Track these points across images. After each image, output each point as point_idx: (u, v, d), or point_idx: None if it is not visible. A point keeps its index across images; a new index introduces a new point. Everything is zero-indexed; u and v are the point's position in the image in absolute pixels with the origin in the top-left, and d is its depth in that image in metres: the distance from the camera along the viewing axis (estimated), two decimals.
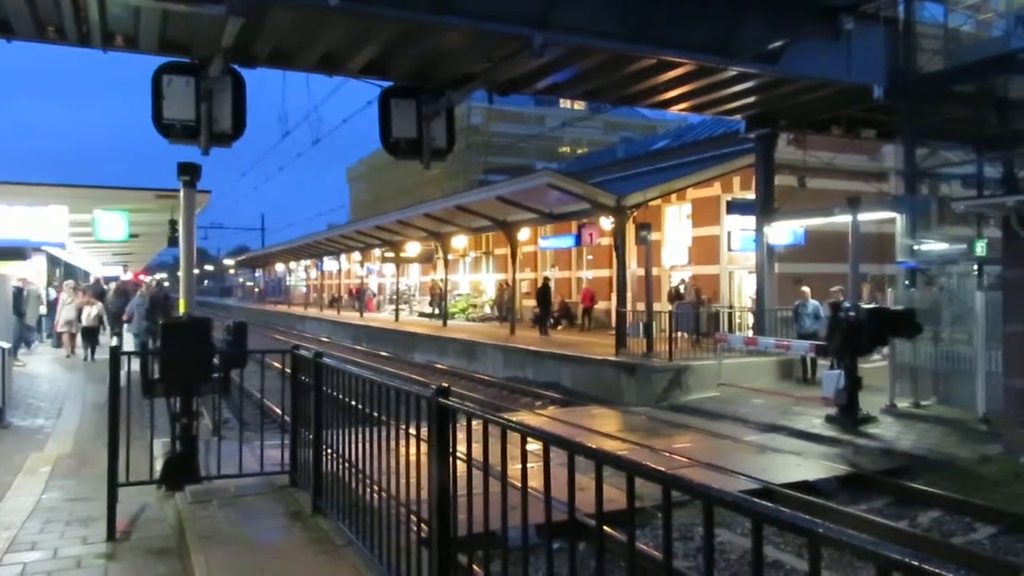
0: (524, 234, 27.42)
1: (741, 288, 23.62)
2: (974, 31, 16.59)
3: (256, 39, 12.14)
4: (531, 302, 28.24)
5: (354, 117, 19.80)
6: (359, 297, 44.41)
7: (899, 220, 15.41)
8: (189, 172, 8.48)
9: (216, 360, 7.21)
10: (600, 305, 27.21)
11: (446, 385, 3.74)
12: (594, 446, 2.76)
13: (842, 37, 15.27)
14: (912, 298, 13.59)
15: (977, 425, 11.39)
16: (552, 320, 26.15)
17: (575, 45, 13.85)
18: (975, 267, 13.09)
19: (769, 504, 2.00)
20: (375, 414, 4.67)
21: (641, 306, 19.22)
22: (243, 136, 12.07)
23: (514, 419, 3.29)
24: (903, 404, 12.87)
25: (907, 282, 14.59)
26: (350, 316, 40.16)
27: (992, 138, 16.42)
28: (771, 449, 11.06)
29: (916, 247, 14.79)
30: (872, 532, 7.58)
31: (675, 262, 25.78)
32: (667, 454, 10.49)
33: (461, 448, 3.64)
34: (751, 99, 17.98)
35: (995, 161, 16.64)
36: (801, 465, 10.14)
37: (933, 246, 14.99)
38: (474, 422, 3.51)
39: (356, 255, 43.44)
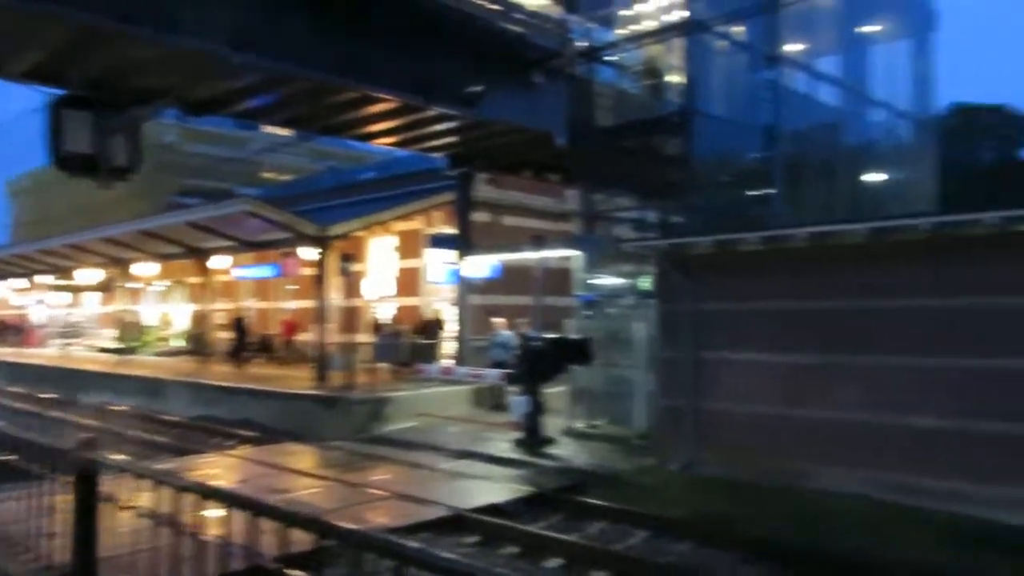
0: (222, 262, 25.90)
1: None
2: (640, 93, 18.97)
3: None
4: (227, 334, 26.65)
5: (18, 123, 17.37)
6: (19, 330, 38.61)
7: (578, 257, 17.03)
8: None
9: None
10: (303, 337, 26.47)
11: (92, 435, 3.38)
12: (284, 487, 2.67)
13: (533, 88, 16.66)
14: (588, 328, 15.02)
15: (637, 441, 12.88)
16: (250, 353, 24.94)
17: (275, 71, 13.52)
18: (636, 300, 14.82)
19: (413, 545, 2.07)
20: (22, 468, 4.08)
21: (345, 337, 19.08)
22: None
23: (197, 462, 3.06)
24: (580, 425, 14.16)
25: (585, 313, 16.12)
26: (5, 353, 34.67)
27: (652, 188, 18.85)
28: (464, 475, 11.52)
29: (591, 282, 16.43)
30: (545, 547, 8.23)
31: (381, 293, 25.98)
32: (363, 488, 10.45)
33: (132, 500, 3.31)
34: (453, 139, 18.86)
35: (656, 208, 19.11)
36: (490, 489, 10.69)
37: (606, 281, 16.75)
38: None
39: (20, 281, 37.72)
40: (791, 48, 18.80)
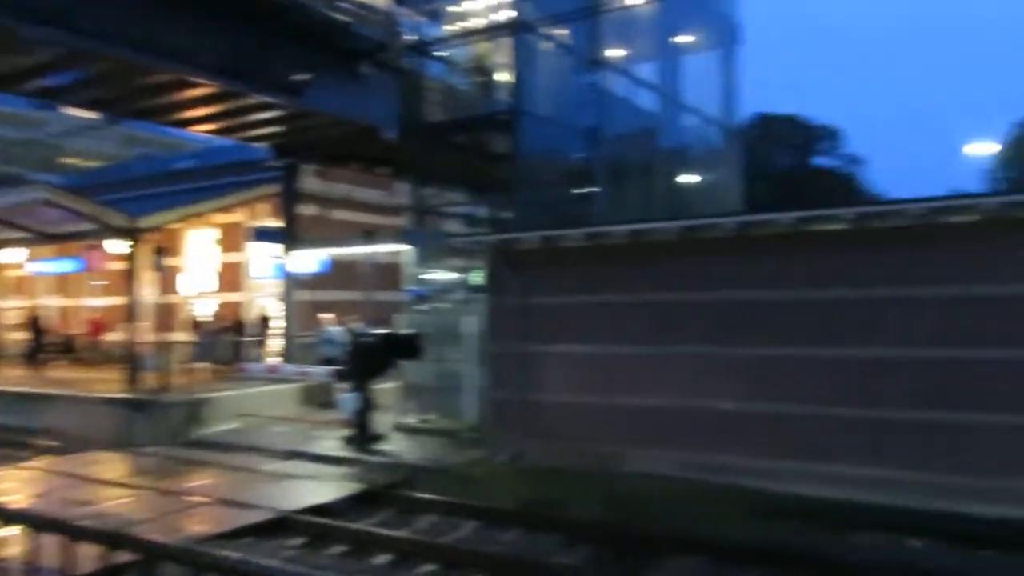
0: (15, 255, 23.49)
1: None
2: (469, 90, 19.16)
3: None
4: (23, 335, 24.21)
5: None
6: None
7: (408, 252, 16.95)
8: None
9: None
10: (112, 336, 24.51)
11: None
12: (88, 499, 2.44)
13: (361, 80, 16.37)
14: (418, 323, 14.99)
15: (468, 434, 13.02)
16: (49, 355, 22.79)
17: (75, 46, 12.41)
18: (467, 295, 14.98)
19: (215, 553, 1.98)
20: None
21: (160, 336, 17.88)
22: None
23: None
24: (411, 421, 14.11)
25: (415, 308, 16.08)
26: None
27: (482, 184, 19.12)
28: (290, 476, 11.16)
29: (422, 276, 16.42)
30: (373, 544, 8.16)
31: (202, 289, 24.56)
32: (179, 495, 9.87)
33: None
34: (279, 128, 18.16)
35: (485, 204, 19.40)
36: (318, 489, 10.42)
37: (437, 276, 16.79)
38: None
39: None
40: (613, 53, 19.70)
